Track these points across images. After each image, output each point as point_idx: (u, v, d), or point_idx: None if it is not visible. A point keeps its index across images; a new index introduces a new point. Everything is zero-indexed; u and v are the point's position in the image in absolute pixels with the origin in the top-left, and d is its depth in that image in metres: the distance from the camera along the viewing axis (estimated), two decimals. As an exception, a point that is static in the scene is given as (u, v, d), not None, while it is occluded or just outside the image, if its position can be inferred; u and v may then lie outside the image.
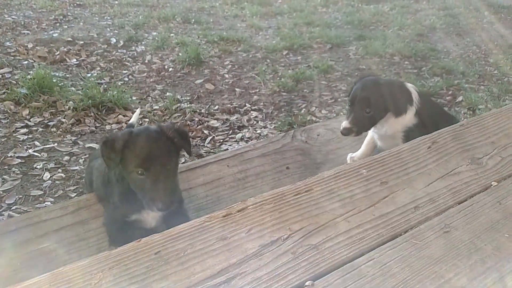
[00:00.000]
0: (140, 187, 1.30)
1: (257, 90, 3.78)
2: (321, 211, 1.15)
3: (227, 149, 2.66)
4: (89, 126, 2.98)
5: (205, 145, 2.81)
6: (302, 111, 3.44)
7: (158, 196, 1.26)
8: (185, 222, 1.08)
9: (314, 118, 3.32)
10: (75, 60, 4.07)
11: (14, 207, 2.21)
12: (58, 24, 4.98)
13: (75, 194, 2.30)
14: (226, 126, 3.10)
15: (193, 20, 5.42)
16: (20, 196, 2.29)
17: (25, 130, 2.89)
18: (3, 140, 2.77)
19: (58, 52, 4.13)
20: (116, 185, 1.40)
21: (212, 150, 2.73)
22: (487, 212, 1.20)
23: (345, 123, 1.83)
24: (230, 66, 4.22)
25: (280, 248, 1.03)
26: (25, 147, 2.71)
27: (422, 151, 1.45)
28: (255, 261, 0.99)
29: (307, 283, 0.95)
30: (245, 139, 2.95)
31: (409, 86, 1.90)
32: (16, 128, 2.89)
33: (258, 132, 3.08)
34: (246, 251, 1.02)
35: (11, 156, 2.60)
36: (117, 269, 0.94)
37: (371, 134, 2.06)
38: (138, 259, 0.97)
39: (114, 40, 4.60)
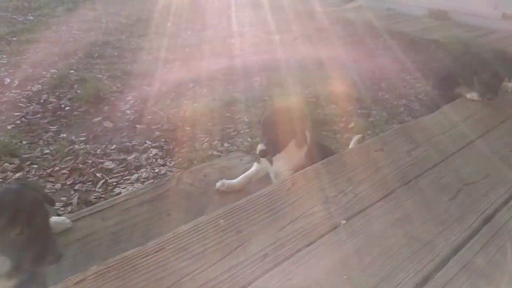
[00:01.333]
0: None
1: (160, 126, 3.74)
2: (168, 273, 1.15)
3: (120, 193, 2.59)
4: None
5: (96, 189, 2.71)
6: (204, 145, 3.45)
7: None
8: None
9: (215, 153, 3.35)
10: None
11: None
12: None
13: None
14: (122, 167, 3.01)
15: (96, 54, 5.28)
16: None
17: None
18: None
19: None
20: None
21: (103, 195, 2.63)
22: (330, 255, 1.27)
23: (260, 146, 1.89)
24: (132, 101, 4.15)
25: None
26: None
27: (282, 193, 1.52)
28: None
29: None
30: (142, 179, 2.89)
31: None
32: None
33: (156, 171, 3.03)
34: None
35: None
36: None
37: (255, 168, 2.12)
38: None
39: (8, 80, 4.33)
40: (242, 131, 3.75)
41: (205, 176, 2.24)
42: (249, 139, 3.57)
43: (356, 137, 2.56)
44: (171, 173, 2.92)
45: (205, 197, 2.11)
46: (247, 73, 5.06)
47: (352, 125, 3.88)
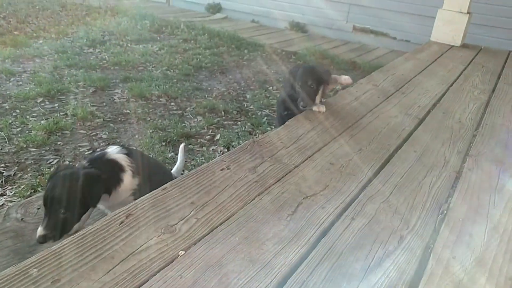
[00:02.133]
0: None
1: (-1, 149, 3.25)
2: None
3: None
4: None
5: None
6: (52, 168, 3.08)
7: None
8: None
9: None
10: None
11: None
12: None
13: None
14: None
15: None
16: None
17: None
18: None
19: None
20: None
21: None
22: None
23: (40, 230, 1.56)
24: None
25: None
26: None
27: (112, 229, 1.36)
28: None
29: None
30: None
31: (115, 154, 1.83)
32: None
33: (-12, 204, 2.60)
34: None
35: None
36: None
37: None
38: None
39: None
40: (98, 149, 3.45)
41: (39, 209, 1.96)
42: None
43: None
44: (9, 205, 2.53)
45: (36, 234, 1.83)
46: (106, 85, 4.73)
47: (218, 137, 3.86)
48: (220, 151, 3.65)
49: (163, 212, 1.49)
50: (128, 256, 1.27)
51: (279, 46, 7.23)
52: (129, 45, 6.34)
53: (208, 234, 1.42)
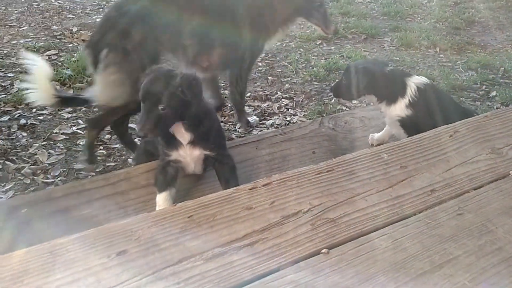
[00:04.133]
0: None
1: (289, 79, 3.85)
2: (340, 190, 1.24)
3: (257, 134, 2.77)
4: (128, 107, 3.16)
5: (237, 129, 2.93)
6: (333, 100, 3.49)
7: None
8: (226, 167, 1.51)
9: (343, 108, 3.37)
10: (116, 44, 4.27)
11: (59, 179, 2.40)
12: (101, 10, 5.20)
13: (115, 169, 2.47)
14: (257, 113, 3.20)
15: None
16: (64, 169, 2.48)
17: (69, 109, 3.09)
18: (49, 117, 2.98)
19: (100, 37, 4.35)
20: None
21: (242, 135, 2.84)
22: (502, 199, 1.25)
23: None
24: (264, 54, 4.29)
25: (300, 219, 1.13)
26: (69, 124, 2.91)
27: (444, 139, 1.51)
28: (276, 229, 1.10)
29: (323, 251, 1.05)
30: (275, 125, 3.05)
31: (410, 79, 1.94)
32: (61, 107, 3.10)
33: (288, 119, 3.16)
34: (269, 220, 1.12)
35: (56, 133, 2.80)
36: (155, 228, 1.07)
37: None
38: (173, 220, 1.09)
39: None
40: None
41: (345, 123, 2.30)
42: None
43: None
44: (301, 122, 3.02)
45: (346, 142, 2.17)
46: (376, 33, 4.88)
47: (493, 93, 3.59)
48: (496, 108, 3.39)
49: (487, 136, 1.55)
50: (462, 163, 1.40)
51: None
52: (397, -4, 6.32)
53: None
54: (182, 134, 1.52)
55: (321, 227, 1.11)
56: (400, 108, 1.94)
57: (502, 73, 4.01)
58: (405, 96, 1.92)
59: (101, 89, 2.10)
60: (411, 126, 1.89)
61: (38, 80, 2.00)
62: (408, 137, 1.64)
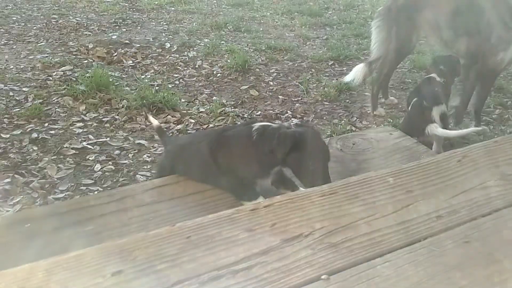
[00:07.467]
0: None
1: (300, 98, 3.86)
2: (343, 213, 1.22)
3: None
4: (140, 124, 3.19)
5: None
6: (342, 121, 3.48)
7: None
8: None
9: (353, 128, 3.35)
10: (131, 61, 4.35)
11: (66, 193, 2.42)
12: (117, 27, 5.32)
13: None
14: (266, 132, 3.20)
15: (243, 28, 5.58)
16: (72, 184, 2.50)
17: (80, 124, 3.14)
18: (60, 132, 3.03)
19: (115, 53, 4.43)
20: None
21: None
22: (510, 227, 1.21)
23: None
24: (275, 74, 4.33)
25: (301, 243, 1.11)
26: (79, 139, 2.95)
27: (452, 164, 1.48)
28: (276, 252, 1.08)
29: (322, 277, 1.02)
30: (284, 145, 3.04)
31: None
32: (73, 121, 3.15)
33: (297, 139, 3.15)
34: (269, 243, 1.10)
35: (66, 147, 2.84)
36: (152, 248, 1.06)
37: None
38: (171, 241, 1.08)
39: (168, 45, 4.85)
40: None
41: (353, 144, 2.27)
42: (390, 120, 3.50)
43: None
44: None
45: (354, 163, 2.13)
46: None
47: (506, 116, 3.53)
48: (509, 132, 3.33)
49: (496, 162, 1.52)
50: (469, 189, 1.36)
51: None
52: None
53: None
54: None
55: (322, 252, 1.09)
56: None
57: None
58: None
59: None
60: None
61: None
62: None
